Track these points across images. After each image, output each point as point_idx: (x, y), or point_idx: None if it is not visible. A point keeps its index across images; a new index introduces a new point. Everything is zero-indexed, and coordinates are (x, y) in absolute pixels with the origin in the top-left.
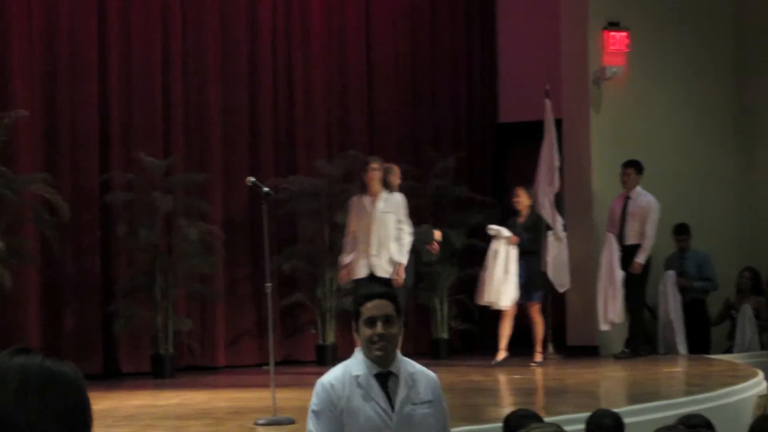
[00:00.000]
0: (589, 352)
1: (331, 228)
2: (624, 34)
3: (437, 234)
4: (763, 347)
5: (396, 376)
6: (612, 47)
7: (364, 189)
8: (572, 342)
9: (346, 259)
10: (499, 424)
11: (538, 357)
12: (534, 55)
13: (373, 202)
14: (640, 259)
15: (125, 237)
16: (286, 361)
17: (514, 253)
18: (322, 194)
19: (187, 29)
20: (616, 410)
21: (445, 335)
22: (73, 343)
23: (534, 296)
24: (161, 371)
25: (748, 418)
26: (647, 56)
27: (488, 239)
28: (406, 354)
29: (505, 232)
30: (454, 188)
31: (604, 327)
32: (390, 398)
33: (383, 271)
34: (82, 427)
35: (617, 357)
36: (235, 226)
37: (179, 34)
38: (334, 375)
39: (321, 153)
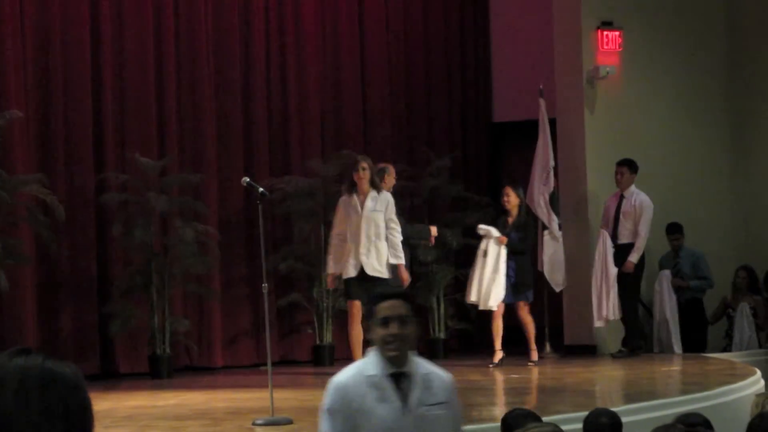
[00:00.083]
0: (587, 351)
1: (326, 228)
2: (617, 33)
3: (433, 230)
4: (760, 346)
5: (410, 377)
6: (605, 46)
7: (352, 188)
8: (569, 341)
9: (332, 267)
10: (497, 424)
11: (534, 355)
12: (528, 54)
13: (363, 201)
14: (633, 258)
15: (121, 237)
16: (283, 362)
17: (503, 253)
18: (317, 194)
19: (181, 29)
20: (613, 409)
21: (441, 335)
22: (70, 344)
23: (522, 296)
24: (159, 372)
25: (746, 416)
26: (641, 55)
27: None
28: None
29: (495, 232)
30: (449, 188)
31: (598, 324)
32: (404, 399)
33: (373, 269)
34: (83, 428)
35: (615, 356)
36: (231, 227)
37: (173, 34)
38: (347, 374)
39: (315, 153)
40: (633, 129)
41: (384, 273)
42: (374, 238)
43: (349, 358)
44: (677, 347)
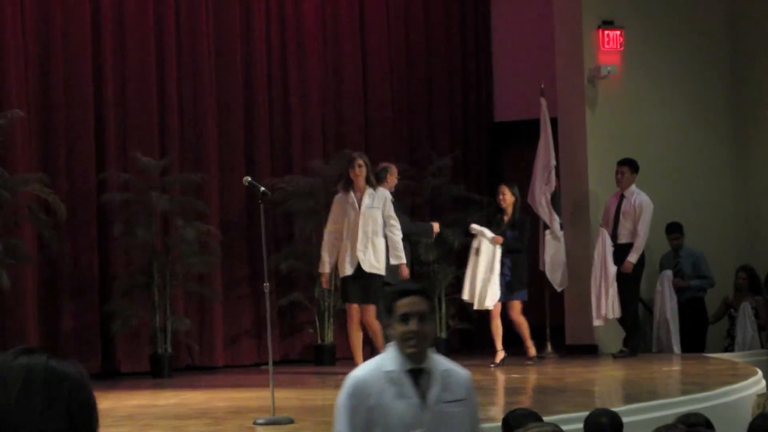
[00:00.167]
0: (588, 351)
1: None
2: (618, 32)
3: (435, 226)
4: (762, 346)
5: (429, 373)
6: (606, 46)
7: (348, 185)
8: (570, 341)
9: (327, 265)
10: (498, 424)
11: (531, 352)
12: (529, 54)
13: (360, 198)
14: (632, 258)
15: (122, 237)
16: (284, 361)
17: (498, 252)
18: (318, 194)
19: (182, 30)
20: (614, 409)
21: (443, 334)
22: (72, 343)
23: (516, 295)
24: (160, 371)
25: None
26: (642, 55)
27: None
28: None
29: (488, 233)
30: (451, 187)
31: (597, 323)
32: (422, 395)
33: (371, 266)
34: (87, 427)
35: (616, 356)
36: (232, 226)
37: (174, 34)
38: (365, 369)
39: (317, 152)
40: (634, 128)
41: (381, 270)
42: (371, 234)
43: (349, 358)
44: (676, 347)
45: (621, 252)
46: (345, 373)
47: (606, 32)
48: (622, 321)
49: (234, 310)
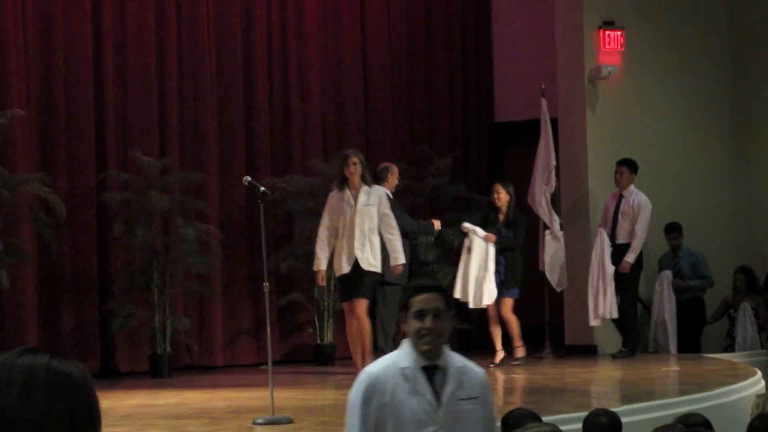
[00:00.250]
0: (587, 351)
1: None
2: (619, 33)
3: (437, 224)
4: (762, 346)
5: (443, 371)
6: (607, 46)
7: (344, 183)
8: (570, 341)
9: (322, 262)
10: (497, 424)
11: (520, 352)
12: (529, 54)
13: (355, 196)
14: (629, 258)
15: (122, 236)
16: (283, 361)
17: (491, 250)
18: (318, 193)
19: (182, 29)
20: (613, 409)
21: None
22: (71, 343)
23: (508, 293)
24: (159, 371)
25: (746, 417)
26: (642, 55)
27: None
28: None
29: (480, 231)
30: (451, 187)
31: (594, 323)
32: (436, 392)
33: (369, 264)
34: (89, 428)
35: (615, 356)
36: (232, 226)
37: (174, 33)
38: (379, 365)
39: (317, 152)
40: (634, 129)
41: (378, 267)
42: (368, 232)
43: (349, 358)
44: (673, 348)
45: (619, 252)
46: (345, 373)
47: (607, 33)
48: (617, 322)
49: (233, 310)
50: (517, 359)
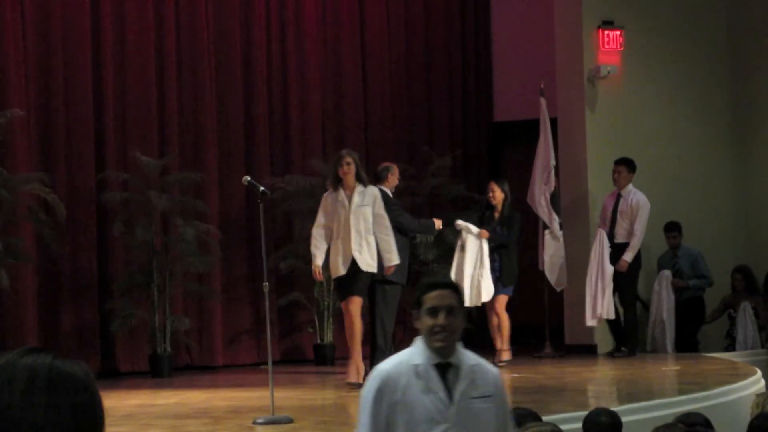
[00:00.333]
0: (587, 350)
1: None
2: (618, 32)
3: (438, 223)
4: (762, 345)
5: (456, 368)
6: (606, 46)
7: (338, 183)
8: (570, 341)
9: (318, 257)
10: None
11: (506, 355)
12: (529, 53)
13: (350, 196)
14: (627, 257)
15: (121, 236)
16: (283, 361)
17: (485, 247)
18: (318, 193)
19: (182, 29)
20: (613, 409)
21: None
22: (71, 343)
23: (503, 290)
24: (159, 370)
25: (746, 416)
26: (642, 55)
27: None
28: None
29: (473, 228)
30: (451, 187)
31: (591, 323)
32: (449, 390)
33: (367, 265)
34: (92, 428)
35: (615, 355)
36: (232, 226)
37: (174, 33)
38: (392, 363)
39: (316, 152)
40: (634, 128)
41: (375, 268)
42: (364, 233)
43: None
44: (670, 347)
45: (618, 252)
46: (345, 373)
47: (606, 32)
48: (611, 323)
49: (233, 310)
50: (502, 362)
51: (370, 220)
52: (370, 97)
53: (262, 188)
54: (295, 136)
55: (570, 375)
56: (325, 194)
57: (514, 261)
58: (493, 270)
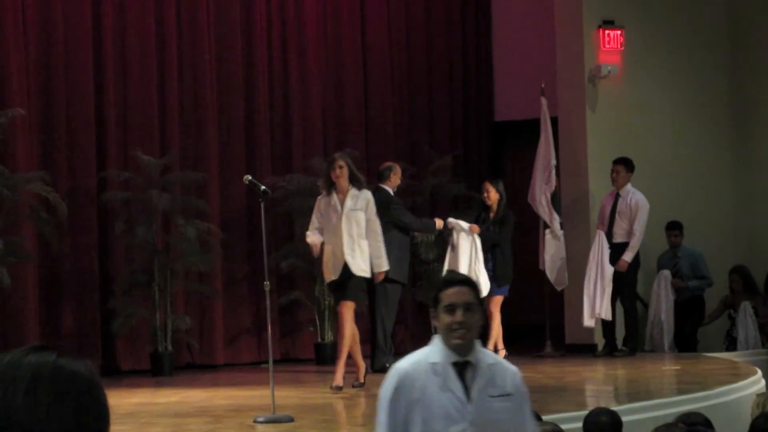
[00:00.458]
0: (587, 350)
1: None
2: (619, 32)
3: (438, 223)
4: (763, 345)
5: (474, 366)
6: (607, 45)
7: (331, 187)
8: (570, 340)
9: (317, 240)
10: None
11: (500, 354)
12: (529, 53)
13: (343, 200)
14: (627, 257)
15: (123, 235)
16: (284, 360)
17: (478, 242)
18: (318, 192)
19: (183, 28)
20: (614, 408)
21: None
22: (72, 341)
23: (497, 290)
24: (160, 369)
25: (746, 416)
26: (642, 54)
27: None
28: (405, 352)
29: (464, 224)
30: (451, 186)
31: (588, 323)
32: (467, 388)
33: (360, 269)
34: (96, 427)
35: (615, 355)
36: (233, 225)
37: (175, 32)
38: (410, 361)
39: (317, 151)
40: (634, 128)
41: (368, 272)
42: (357, 237)
43: (348, 357)
44: (668, 347)
45: (617, 251)
46: (345, 372)
47: (606, 32)
48: (605, 324)
49: (234, 309)
50: None
51: (363, 224)
52: (370, 96)
53: (263, 187)
54: (296, 135)
55: (570, 375)
56: (319, 197)
57: (509, 261)
58: (487, 270)
